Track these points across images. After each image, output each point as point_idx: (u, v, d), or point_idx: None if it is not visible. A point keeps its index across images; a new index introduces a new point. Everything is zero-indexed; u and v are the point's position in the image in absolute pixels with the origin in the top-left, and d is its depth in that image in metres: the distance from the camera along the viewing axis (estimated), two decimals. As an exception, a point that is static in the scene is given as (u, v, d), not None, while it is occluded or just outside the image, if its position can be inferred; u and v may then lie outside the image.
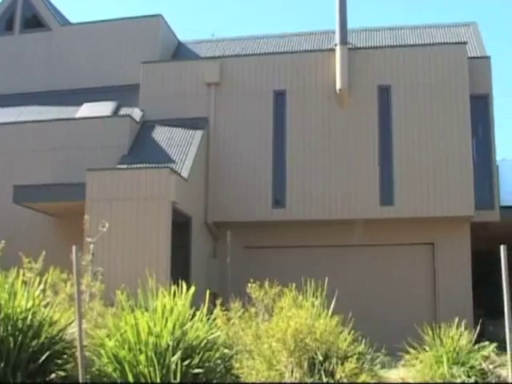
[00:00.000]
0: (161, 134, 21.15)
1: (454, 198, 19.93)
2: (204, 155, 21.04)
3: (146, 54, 23.23)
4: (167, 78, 22.19)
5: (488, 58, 21.83)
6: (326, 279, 9.93)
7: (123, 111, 22.06)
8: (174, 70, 22.54)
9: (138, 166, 19.08)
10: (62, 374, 8.33)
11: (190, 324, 8.45)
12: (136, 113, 21.67)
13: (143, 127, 21.48)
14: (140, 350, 7.97)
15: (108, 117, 21.68)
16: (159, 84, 22.04)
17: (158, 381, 7.60)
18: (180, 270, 17.23)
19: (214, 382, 7.98)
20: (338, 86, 20.86)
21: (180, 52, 25.64)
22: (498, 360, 8.36)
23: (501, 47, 49.99)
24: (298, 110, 21.23)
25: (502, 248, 9.35)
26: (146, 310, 8.49)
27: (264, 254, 20.53)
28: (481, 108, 21.00)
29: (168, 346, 7.95)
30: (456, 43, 22.40)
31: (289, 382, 8.55)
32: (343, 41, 21.35)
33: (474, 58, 21.91)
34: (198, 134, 20.99)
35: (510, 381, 7.43)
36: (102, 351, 8.07)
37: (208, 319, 8.79)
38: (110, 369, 7.97)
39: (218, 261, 20.41)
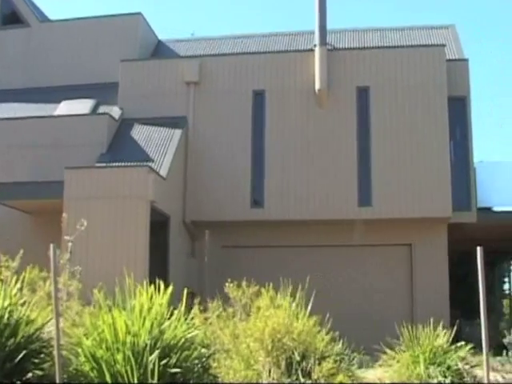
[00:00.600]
0: (139, 133, 21.09)
1: (431, 200, 20.04)
2: (183, 154, 21.01)
3: (126, 52, 23.15)
4: (146, 76, 22.13)
5: (466, 60, 22.00)
6: (308, 279, 9.96)
7: (102, 109, 21.97)
8: (154, 68, 22.48)
9: (117, 164, 19.03)
10: (38, 373, 8.27)
11: (167, 323, 8.42)
12: (115, 111, 21.59)
13: (122, 125, 21.41)
14: (117, 349, 7.93)
15: (86, 115, 21.59)
16: (138, 82, 21.97)
17: (136, 380, 7.58)
18: (158, 269, 17.18)
19: (192, 381, 7.96)
20: (317, 86, 20.91)
21: (159, 50, 25.58)
22: (474, 360, 8.43)
23: (478, 50, 50.35)
24: (277, 110, 21.26)
25: (479, 249, 9.40)
26: (124, 309, 8.45)
27: (242, 253, 20.52)
28: (459, 110, 21.14)
29: (146, 345, 7.92)
30: (434, 45, 22.57)
31: (266, 382, 8.56)
32: (322, 42, 21.42)
33: (452, 60, 22.07)
34: (177, 132, 20.96)
35: (485, 381, 7.49)
36: (80, 350, 8.03)
37: (186, 318, 8.77)
38: (87, 368, 7.93)
39: (196, 260, 20.40)
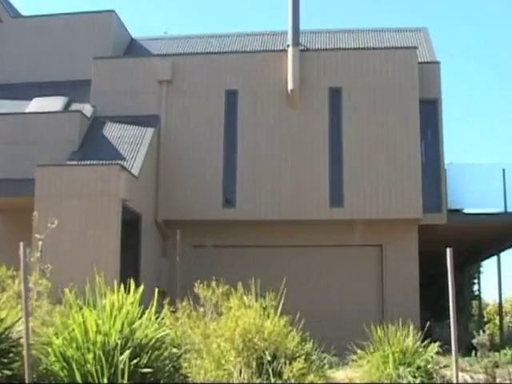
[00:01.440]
0: (112, 131, 20.98)
1: (402, 201, 20.18)
2: (155, 153, 20.95)
3: (99, 49, 22.99)
4: (119, 74, 22.03)
5: (438, 63, 22.17)
6: (279, 278, 9.96)
7: (74, 107, 21.86)
8: (126, 66, 22.40)
9: (88, 162, 18.92)
10: (7, 373, 8.19)
11: (138, 323, 8.39)
12: (87, 109, 21.46)
13: (94, 123, 21.28)
14: (88, 348, 7.89)
15: (58, 112, 21.44)
16: (111, 80, 21.86)
17: (106, 380, 7.54)
18: (129, 268, 17.14)
19: (162, 381, 7.94)
20: (290, 86, 20.96)
21: (132, 48, 25.47)
22: (443, 361, 8.50)
23: (450, 53, 50.76)
24: (250, 110, 21.27)
25: (449, 251, 9.49)
26: (95, 308, 8.41)
27: (214, 253, 20.47)
28: (430, 112, 21.30)
29: (116, 344, 7.89)
30: (407, 47, 22.77)
31: (237, 382, 8.56)
32: (295, 42, 21.48)
33: (424, 62, 22.23)
34: (149, 131, 20.88)
35: (454, 381, 7.56)
36: (50, 350, 7.97)
37: (157, 318, 8.75)
38: (57, 368, 7.88)
39: (167, 259, 20.33)
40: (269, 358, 8.76)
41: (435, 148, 21.35)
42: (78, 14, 24.39)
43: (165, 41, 26.21)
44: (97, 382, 7.58)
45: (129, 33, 25.77)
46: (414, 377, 8.36)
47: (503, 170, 21.45)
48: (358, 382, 8.52)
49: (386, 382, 7.95)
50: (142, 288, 8.82)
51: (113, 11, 24.36)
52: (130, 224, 18.36)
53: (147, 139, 20.58)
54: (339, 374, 7.97)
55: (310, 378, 8.39)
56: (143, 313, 8.56)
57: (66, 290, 8.69)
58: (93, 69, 21.86)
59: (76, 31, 24.13)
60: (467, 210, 22.21)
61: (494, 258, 25.71)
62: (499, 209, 21.56)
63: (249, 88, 21.42)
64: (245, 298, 9.85)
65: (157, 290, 9.13)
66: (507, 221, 21.69)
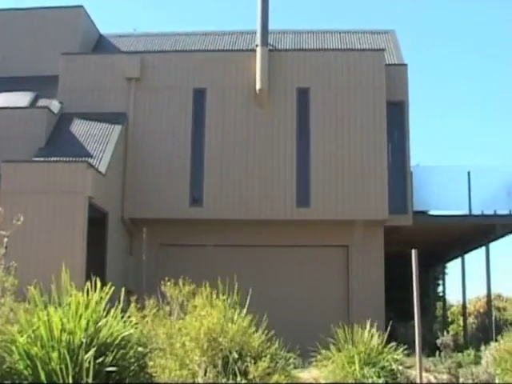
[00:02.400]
0: (79, 128, 20.81)
1: (368, 202, 20.30)
2: (122, 150, 20.82)
3: (67, 45, 22.81)
4: (87, 70, 21.86)
5: (405, 65, 22.34)
6: (245, 278, 9.96)
7: (41, 102, 21.61)
8: (95, 62, 22.23)
9: (55, 159, 18.75)
10: (-30, 371, 8.12)
11: (104, 321, 8.35)
12: (54, 105, 21.26)
13: (61, 120, 21.09)
14: (53, 347, 7.83)
15: (25, 108, 21.21)
16: (79, 76, 21.68)
17: (71, 379, 7.49)
18: (95, 266, 16.97)
19: (127, 380, 7.91)
20: (258, 86, 20.97)
21: (101, 45, 25.31)
22: (407, 361, 8.57)
23: (418, 55, 51.19)
24: (218, 109, 21.24)
25: (414, 252, 9.57)
26: (60, 306, 8.36)
27: (180, 252, 20.43)
28: (397, 114, 21.45)
29: (81, 343, 7.84)
30: (374, 49, 22.89)
31: (202, 381, 8.55)
32: (264, 42, 21.50)
33: (392, 65, 22.40)
34: (117, 128, 20.75)
35: (418, 381, 7.64)
36: (14, 348, 7.90)
37: (122, 317, 8.71)
38: (21, 366, 7.80)
39: (133, 258, 20.23)
40: (234, 358, 8.76)
41: (401, 150, 21.50)
42: (46, 9, 24.16)
43: (133, 38, 26.08)
44: (61, 380, 7.53)
45: (97, 29, 25.60)
46: (379, 377, 8.42)
47: (468, 173, 21.69)
48: (322, 381, 8.56)
49: (350, 381, 8.00)
50: (107, 286, 8.78)
51: (81, 7, 24.17)
52: (97, 222, 18.23)
53: (114, 136, 20.45)
54: (304, 374, 8.00)
55: (275, 377, 8.40)
56: (109, 311, 8.52)
57: (31, 288, 8.61)
58: (60, 65, 21.67)
59: (44, 26, 23.90)
60: (432, 212, 22.43)
61: (459, 259, 26.00)
62: (464, 211, 21.80)
63: (217, 87, 21.39)
64: (211, 297, 9.85)
65: (123, 288, 9.10)
66: (472, 223, 21.94)
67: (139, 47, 24.65)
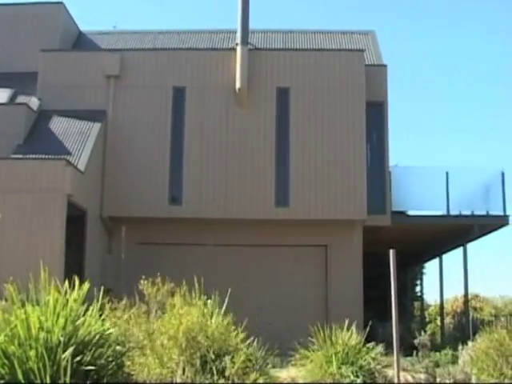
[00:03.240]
0: (58, 125, 20.69)
1: (347, 202, 20.37)
2: (101, 148, 20.74)
3: (46, 41, 22.68)
4: (67, 67, 21.75)
5: (385, 66, 22.43)
6: (224, 277, 9.96)
7: (20, 99, 21.48)
8: (74, 60, 22.13)
9: (34, 156, 18.64)
10: None
11: (82, 320, 8.31)
12: (33, 102, 21.13)
13: (40, 117, 20.96)
14: (30, 345, 7.77)
15: (3, 104, 21.06)
16: (58, 73, 21.57)
17: (48, 378, 7.45)
18: (74, 265, 16.94)
19: (106, 379, 7.88)
20: (238, 85, 20.96)
21: (81, 42, 25.19)
22: (385, 360, 8.62)
23: (397, 56, 51.44)
24: (197, 108, 21.21)
25: (392, 252, 9.62)
26: (38, 304, 8.31)
27: (159, 250, 20.38)
28: (376, 115, 21.54)
29: (59, 341, 7.79)
30: (354, 50, 22.97)
31: (180, 380, 8.54)
32: (244, 41, 21.49)
33: (371, 65, 22.48)
34: (96, 126, 20.66)
35: (396, 381, 7.67)
36: (-10, 346, 7.85)
37: (101, 315, 8.68)
38: (-2, 364, 7.76)
39: (112, 256, 20.17)
40: (212, 356, 8.75)
41: (380, 150, 21.60)
42: (26, 5, 24.00)
43: (113, 35, 25.97)
44: (39, 379, 7.48)
45: (77, 26, 25.47)
46: (357, 376, 8.45)
47: (446, 173, 21.81)
48: (300, 381, 8.57)
49: (328, 381, 8.03)
50: (86, 284, 8.74)
51: (61, 3, 24.04)
52: (75, 220, 18.13)
53: (94, 134, 20.36)
54: (283, 373, 8.01)
55: (253, 376, 8.40)
56: (87, 310, 8.48)
57: (9, 286, 8.56)
58: (40, 61, 21.54)
59: (23, 22, 23.74)
60: (411, 212, 22.54)
61: (437, 259, 26.16)
62: (442, 211, 21.93)
63: (197, 85, 21.35)
64: (189, 295, 9.84)
65: (102, 287, 9.07)
66: (449, 223, 22.08)
67: (119, 45, 24.54)
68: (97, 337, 8.22)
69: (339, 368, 8.52)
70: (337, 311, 18.77)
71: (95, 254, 19.62)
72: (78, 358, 7.74)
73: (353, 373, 8.09)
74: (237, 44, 21.56)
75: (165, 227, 20.58)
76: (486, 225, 22.05)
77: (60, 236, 16.85)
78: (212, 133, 20.99)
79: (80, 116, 20.82)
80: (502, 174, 22.03)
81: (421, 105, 58.04)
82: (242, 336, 9.47)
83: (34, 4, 24.01)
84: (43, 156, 18.57)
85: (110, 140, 20.97)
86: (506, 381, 8.41)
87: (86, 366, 7.76)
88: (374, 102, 21.34)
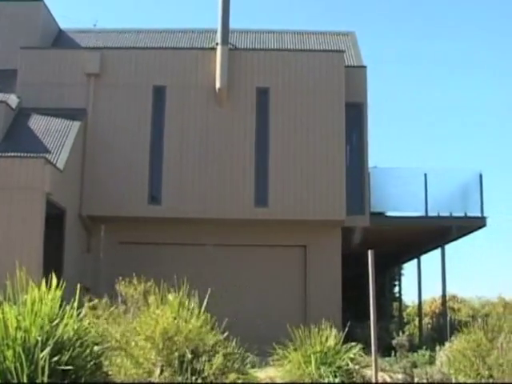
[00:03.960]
0: (37, 123, 20.55)
1: (326, 202, 20.41)
2: (81, 147, 20.61)
3: (26, 39, 22.53)
4: (46, 65, 21.59)
5: (364, 67, 22.49)
6: (203, 277, 9.94)
7: (-2, 97, 21.35)
8: (54, 58, 21.98)
9: (12, 154, 18.49)
10: None
11: (60, 319, 8.28)
12: (12, 99, 20.97)
13: (19, 115, 20.81)
14: (7, 345, 7.74)
15: (-19, 102, 20.92)
16: (38, 71, 21.42)
17: (26, 378, 7.41)
18: (52, 264, 16.80)
19: (83, 379, 7.85)
20: (218, 85, 20.94)
21: (61, 40, 25.05)
22: (363, 361, 8.65)
23: (377, 57, 51.58)
24: (178, 107, 21.16)
25: (370, 252, 9.65)
26: (15, 303, 8.27)
27: (139, 250, 20.31)
28: (355, 116, 21.59)
29: (37, 341, 7.76)
30: (334, 51, 23.03)
31: (157, 380, 8.53)
32: (224, 40, 21.47)
33: (351, 66, 22.55)
34: (76, 124, 20.54)
35: (373, 381, 7.70)
36: (-33, 346, 7.79)
37: (78, 315, 8.64)
38: (-26, 364, 7.70)
39: (91, 256, 20.07)
40: (190, 357, 8.74)
41: (360, 151, 21.67)
42: (5, 2, 23.82)
43: (93, 33, 25.86)
44: (16, 379, 7.44)
45: (57, 23, 25.33)
46: (335, 376, 8.47)
47: (425, 175, 21.92)
48: (279, 381, 8.58)
49: (307, 381, 8.05)
50: (64, 284, 8.70)
51: (41, 1, 23.88)
52: (54, 218, 18.03)
53: (73, 132, 20.24)
54: (261, 374, 8.00)
55: (232, 376, 8.40)
56: (65, 309, 8.45)
57: (-14, 285, 8.51)
58: (19, 59, 21.38)
59: (2, 19, 23.55)
60: (390, 213, 22.64)
61: (415, 260, 26.28)
62: (420, 212, 22.03)
63: (177, 85, 21.30)
64: (167, 295, 9.82)
65: (80, 286, 9.03)
66: (428, 224, 22.20)
67: (99, 43, 24.43)
68: (75, 337, 8.20)
69: (318, 368, 8.54)
70: (315, 311, 18.79)
71: (74, 253, 19.52)
72: (56, 358, 7.71)
73: (331, 373, 8.12)
74: (217, 43, 21.54)
75: (144, 227, 20.51)
76: (463, 226, 22.18)
77: (39, 235, 16.74)
78: (192, 132, 20.94)
79: (59, 114, 20.69)
80: (480, 176, 22.18)
81: (400, 107, 58.25)
82: (219, 336, 9.47)
83: (13, 1, 23.84)
84: (22, 154, 18.44)
85: (90, 139, 20.85)
86: (483, 381, 8.48)
87: (64, 365, 7.73)
88: (353, 103, 21.39)
